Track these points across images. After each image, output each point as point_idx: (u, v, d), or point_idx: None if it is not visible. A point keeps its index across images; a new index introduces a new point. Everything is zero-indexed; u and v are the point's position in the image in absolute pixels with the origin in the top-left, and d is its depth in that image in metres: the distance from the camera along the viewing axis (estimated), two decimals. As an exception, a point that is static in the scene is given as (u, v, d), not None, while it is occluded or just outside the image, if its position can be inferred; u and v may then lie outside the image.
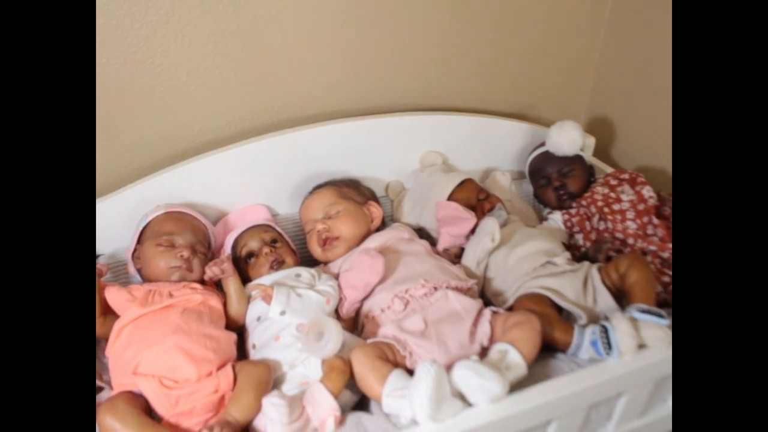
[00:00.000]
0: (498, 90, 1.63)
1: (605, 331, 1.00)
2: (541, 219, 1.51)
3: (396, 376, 0.93)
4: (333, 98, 1.44)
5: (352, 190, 1.33)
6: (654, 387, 1.09)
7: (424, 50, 1.49)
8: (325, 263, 1.26)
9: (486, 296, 1.26)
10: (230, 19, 1.24)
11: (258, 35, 1.29)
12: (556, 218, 1.44)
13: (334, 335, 0.98)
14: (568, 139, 1.43)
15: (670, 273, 1.22)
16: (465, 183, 1.38)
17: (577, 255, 1.36)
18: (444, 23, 1.48)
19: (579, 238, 1.38)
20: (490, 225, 1.23)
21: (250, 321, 1.12)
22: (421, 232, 1.38)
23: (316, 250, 1.26)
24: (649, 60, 1.57)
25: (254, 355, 1.07)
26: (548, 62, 1.65)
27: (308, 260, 1.29)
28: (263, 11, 1.27)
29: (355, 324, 1.16)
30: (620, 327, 1.00)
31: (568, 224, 1.41)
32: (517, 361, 0.97)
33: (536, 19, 1.58)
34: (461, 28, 1.50)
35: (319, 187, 1.34)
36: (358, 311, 1.16)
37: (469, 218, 1.24)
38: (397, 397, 0.91)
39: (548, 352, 1.07)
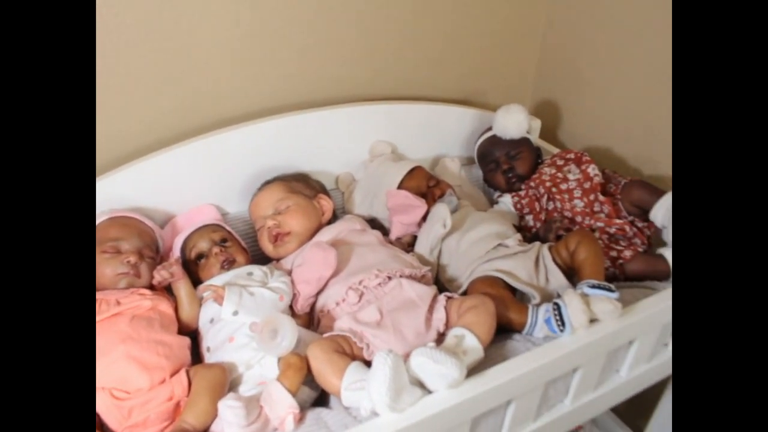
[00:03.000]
0: (446, 78, 1.63)
1: (558, 308, 1.02)
2: (492, 203, 1.52)
3: (354, 369, 0.93)
4: (278, 92, 1.41)
5: (301, 184, 1.31)
6: (607, 359, 1.12)
7: (370, 41, 1.48)
8: (278, 260, 1.24)
9: (441, 283, 1.26)
10: (168, 13, 1.20)
11: (198, 29, 1.26)
12: (507, 201, 1.45)
13: (289, 332, 0.96)
14: (514, 122, 1.44)
15: (618, 248, 1.25)
16: (415, 171, 1.38)
17: (528, 236, 1.38)
18: (391, 13, 1.47)
19: (529, 219, 1.40)
20: (441, 211, 1.23)
21: (203, 324, 1.10)
22: (374, 223, 1.37)
23: (268, 247, 1.24)
24: (591, 42, 1.60)
25: (209, 358, 1.05)
26: (492, 48, 1.66)
27: (261, 258, 1.27)
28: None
29: (311, 319, 1.15)
30: (572, 303, 1.01)
31: (518, 206, 1.43)
32: (473, 344, 0.97)
33: (480, 5, 1.58)
34: (408, 18, 1.50)
35: (267, 183, 1.31)
36: (313, 306, 1.15)
37: (419, 205, 1.24)
38: (356, 389, 0.90)
39: (504, 333, 1.09)
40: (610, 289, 1.05)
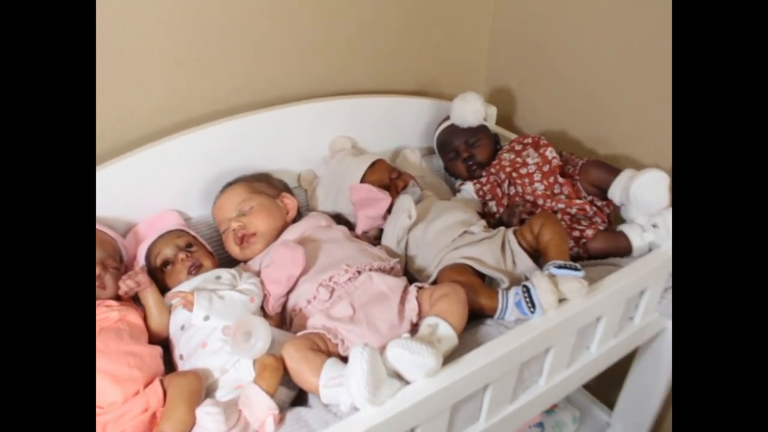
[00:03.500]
0: (402, 70, 1.63)
1: (527, 290, 1.04)
2: (455, 191, 1.54)
3: (330, 365, 0.93)
4: (232, 93, 1.39)
5: (264, 184, 1.30)
6: (577, 337, 1.15)
7: (324, 36, 1.47)
8: (245, 261, 1.23)
9: (410, 273, 1.27)
10: (111, 19, 1.17)
11: (149, 30, 1.23)
12: (468, 189, 1.47)
13: (263, 333, 0.95)
14: (471, 110, 1.46)
15: (580, 228, 1.28)
16: (376, 164, 1.38)
17: (492, 222, 1.40)
18: (342, 8, 1.46)
19: (492, 205, 1.42)
20: (405, 202, 1.24)
21: (174, 331, 1.07)
22: (339, 218, 1.37)
23: (234, 249, 1.22)
24: (540, 26, 1.63)
25: (182, 366, 1.03)
26: (443, 37, 1.67)
27: (228, 261, 1.25)
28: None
29: (283, 319, 1.14)
30: (540, 285, 1.03)
31: (480, 193, 1.45)
32: (447, 332, 0.98)
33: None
34: (360, 12, 1.49)
35: (229, 184, 1.29)
36: (284, 306, 1.14)
37: (383, 198, 1.24)
38: (334, 386, 0.90)
39: (477, 319, 1.10)
40: (575, 268, 1.07)
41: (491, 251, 1.19)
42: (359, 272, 1.11)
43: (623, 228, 1.27)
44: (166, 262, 1.14)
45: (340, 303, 1.06)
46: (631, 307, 1.27)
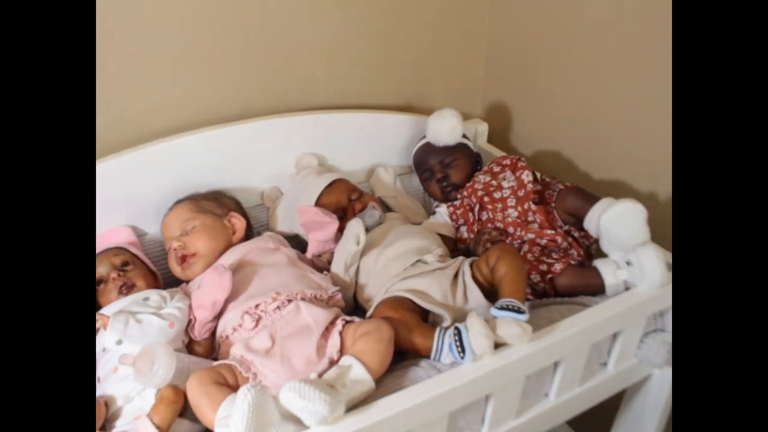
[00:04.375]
0: (383, 84, 1.56)
1: (458, 332, 0.95)
2: (430, 213, 1.45)
3: (227, 403, 0.87)
4: (201, 105, 1.36)
5: (212, 203, 1.26)
6: (528, 384, 1.04)
7: (303, 48, 1.42)
8: (187, 282, 1.20)
9: (360, 303, 1.20)
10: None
11: (117, 42, 1.22)
12: (442, 212, 1.38)
13: (165, 362, 0.91)
14: (447, 128, 1.37)
15: (549, 261, 1.17)
16: (334, 184, 1.31)
17: (462, 249, 1.30)
18: (321, 15, 1.41)
19: (464, 231, 1.32)
20: (355, 227, 1.16)
21: (98, 353, 1.05)
22: (297, 239, 1.31)
23: (176, 269, 1.19)
24: (537, 43, 1.51)
25: (98, 389, 1.00)
26: (436, 49, 1.59)
27: (175, 280, 1.22)
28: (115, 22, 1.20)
29: (213, 346, 1.10)
30: (473, 327, 0.94)
31: (454, 217, 1.35)
32: (360, 375, 0.90)
33: (420, 5, 1.51)
34: (339, 21, 1.43)
35: (178, 202, 1.26)
36: (215, 332, 1.10)
37: (330, 222, 1.18)
38: (224, 426, 0.85)
39: (414, 359, 1.02)
40: (518, 310, 0.97)
41: (439, 284, 1.10)
42: (290, 301, 1.05)
43: (597, 264, 1.15)
44: (99, 281, 1.13)
45: (260, 334, 1.00)
46: (603, 351, 1.15)
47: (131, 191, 1.28)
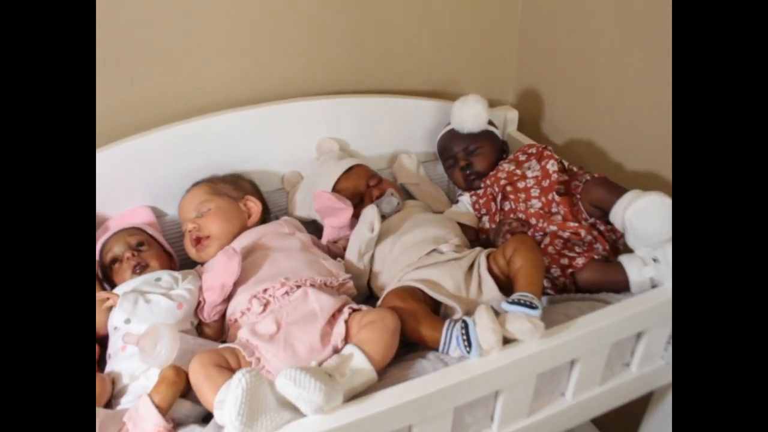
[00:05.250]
0: (410, 68, 1.51)
1: (465, 326, 0.91)
2: (453, 202, 1.41)
3: (227, 386, 0.86)
4: (223, 87, 1.35)
5: (229, 186, 1.25)
6: (542, 381, 1.00)
7: (324, 30, 1.39)
8: (202, 264, 1.20)
9: (374, 291, 1.18)
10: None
11: (140, 23, 1.23)
12: (465, 200, 1.34)
13: (168, 342, 0.91)
14: (471, 114, 1.32)
15: (571, 255, 1.11)
16: (353, 169, 1.29)
17: (483, 239, 1.26)
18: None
19: (485, 221, 1.28)
20: (370, 214, 1.14)
21: (110, 331, 1.06)
22: (314, 225, 1.30)
23: (191, 251, 1.19)
24: (570, 28, 1.44)
25: (108, 365, 1.01)
26: (466, 33, 1.53)
27: (191, 262, 1.23)
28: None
29: (223, 329, 1.10)
30: (481, 321, 0.90)
31: (476, 206, 1.31)
32: (361, 365, 0.88)
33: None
34: (366, 5, 1.40)
35: (195, 184, 1.26)
36: (225, 315, 1.09)
37: (344, 207, 1.15)
38: (220, 408, 0.84)
39: (422, 350, 0.99)
40: (530, 305, 0.93)
41: (452, 275, 1.06)
42: (298, 286, 1.04)
43: (622, 259, 1.09)
44: (114, 260, 1.14)
45: (267, 318, 0.99)
46: (626, 351, 1.09)
47: (152, 172, 1.29)
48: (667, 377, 1.16)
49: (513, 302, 0.94)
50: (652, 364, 1.11)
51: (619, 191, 1.12)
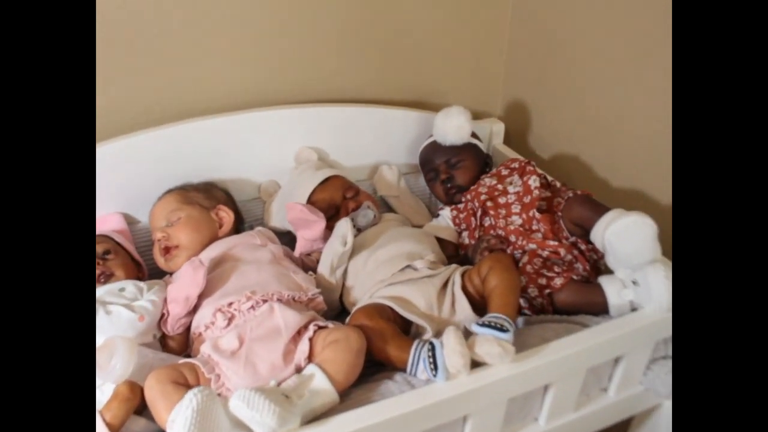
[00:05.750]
0: (394, 77, 1.49)
1: (432, 349, 0.88)
2: (434, 216, 1.37)
3: (180, 406, 0.83)
4: (201, 93, 1.33)
5: (201, 194, 1.22)
6: (513, 407, 0.96)
7: (306, 37, 1.37)
8: (170, 274, 1.16)
9: (346, 307, 1.14)
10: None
11: (115, 26, 1.20)
12: (445, 215, 1.30)
13: (124, 356, 0.88)
14: (453, 126, 1.29)
15: (550, 275, 1.08)
16: (330, 180, 1.26)
17: (462, 255, 1.23)
18: (329, 5, 1.35)
19: (465, 237, 1.25)
20: (343, 227, 1.10)
21: (70, 341, 1.03)
22: (291, 236, 1.26)
23: (160, 260, 1.16)
24: (559, 43, 1.42)
25: (66, 378, 0.98)
26: (454, 44, 1.51)
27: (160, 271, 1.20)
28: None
29: (188, 342, 1.07)
30: (448, 344, 0.87)
31: (457, 221, 1.28)
32: (321, 386, 0.85)
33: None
34: (348, 10, 1.37)
35: (167, 192, 1.24)
36: (190, 328, 1.06)
37: (317, 220, 1.12)
38: (172, 429, 0.81)
39: (391, 371, 0.95)
40: (501, 328, 0.89)
41: (425, 293, 1.03)
42: (264, 301, 1.00)
43: (601, 281, 1.05)
44: (78, 268, 1.10)
45: (230, 334, 0.96)
46: (603, 376, 1.06)
47: (126, 178, 1.26)
48: (647, 402, 1.13)
49: (483, 324, 0.90)
50: (631, 389, 1.08)
51: (601, 210, 1.08)
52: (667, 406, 1.14)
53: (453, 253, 1.27)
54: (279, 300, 1.01)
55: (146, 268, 1.20)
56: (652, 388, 1.08)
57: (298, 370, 0.92)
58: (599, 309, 1.04)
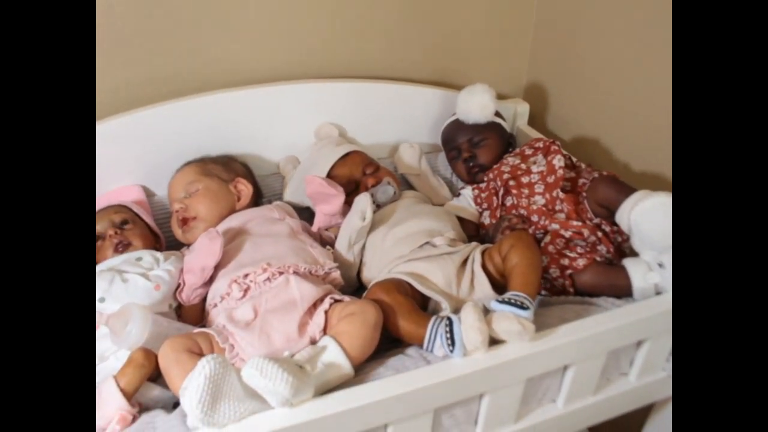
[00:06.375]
0: (418, 55, 1.46)
1: (450, 324, 0.86)
2: (455, 195, 1.35)
3: (192, 373, 0.83)
4: (223, 67, 1.31)
5: (219, 167, 1.22)
6: (530, 386, 0.94)
7: (330, 12, 1.35)
8: (188, 245, 1.16)
9: (363, 283, 1.13)
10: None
11: (136, 3, 1.19)
12: (467, 194, 1.28)
13: (139, 323, 0.88)
14: (477, 104, 1.26)
15: (572, 256, 1.05)
16: (349, 156, 1.24)
17: (483, 235, 1.21)
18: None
19: (486, 216, 1.22)
20: (362, 202, 1.09)
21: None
22: (310, 212, 1.25)
23: (177, 232, 1.16)
24: (590, 17, 1.37)
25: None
26: (480, 22, 1.47)
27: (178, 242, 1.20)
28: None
29: (204, 312, 1.06)
30: (467, 320, 0.85)
31: (478, 200, 1.25)
32: (336, 358, 0.84)
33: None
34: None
35: (186, 164, 1.23)
36: (206, 298, 1.06)
37: (336, 194, 1.10)
38: (185, 395, 0.81)
39: (407, 347, 0.94)
40: (521, 306, 0.87)
41: (443, 269, 1.01)
42: (281, 273, 0.99)
43: (626, 263, 1.02)
44: (97, 237, 1.11)
45: (245, 305, 0.95)
46: (624, 360, 1.03)
47: (146, 150, 1.26)
48: (668, 390, 1.10)
49: (503, 301, 0.88)
50: (653, 375, 1.05)
51: (627, 191, 1.05)
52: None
53: (474, 233, 1.24)
54: (295, 273, 1.00)
55: (164, 240, 1.20)
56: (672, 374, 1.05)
57: (313, 342, 0.91)
58: (623, 292, 1.01)
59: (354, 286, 1.15)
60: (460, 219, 1.24)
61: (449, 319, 0.87)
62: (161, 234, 1.19)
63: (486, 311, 0.90)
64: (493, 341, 0.87)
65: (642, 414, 1.21)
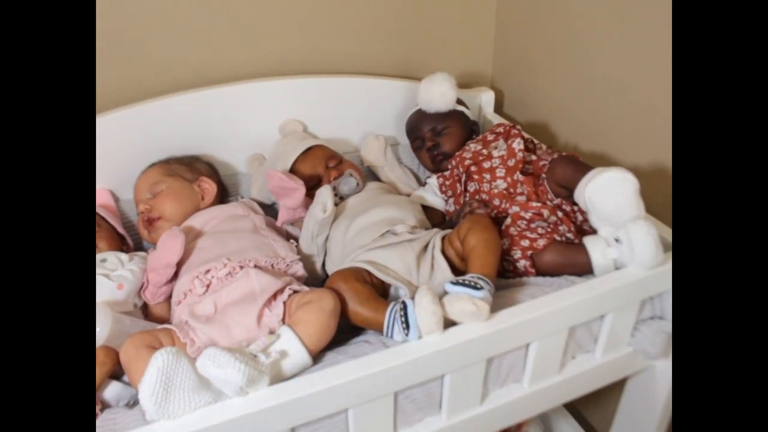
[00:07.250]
0: (381, 48, 1.47)
1: (404, 308, 0.87)
2: (422, 185, 1.36)
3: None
4: (186, 67, 1.32)
5: (183, 167, 1.23)
6: (490, 366, 0.94)
7: (290, 7, 1.35)
8: (154, 246, 1.17)
9: (329, 275, 1.14)
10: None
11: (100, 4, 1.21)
12: (432, 182, 1.29)
13: (99, 321, 0.89)
14: (437, 93, 1.27)
15: (532, 236, 1.06)
16: (311, 150, 1.25)
17: (449, 222, 1.22)
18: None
19: (451, 203, 1.23)
20: (323, 194, 1.10)
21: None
22: (273, 208, 1.26)
23: (143, 233, 1.17)
24: (552, 4, 1.38)
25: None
26: (440, 12, 1.48)
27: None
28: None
29: (170, 310, 1.07)
30: (420, 303, 0.86)
31: (443, 188, 1.26)
32: (290, 347, 0.85)
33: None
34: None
35: (150, 165, 1.24)
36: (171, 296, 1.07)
37: (296, 187, 1.11)
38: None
39: (368, 334, 0.95)
40: (475, 286, 0.88)
41: (403, 256, 1.02)
42: (241, 267, 1.00)
43: (585, 241, 1.03)
44: (63, 241, 1.12)
45: (206, 300, 0.97)
46: (589, 339, 1.04)
47: (113, 154, 1.26)
48: (636, 365, 1.10)
49: (457, 283, 0.89)
50: (618, 351, 1.06)
51: (584, 169, 1.05)
52: (659, 367, 1.12)
53: (440, 221, 1.25)
54: (256, 266, 1.01)
55: (131, 243, 1.21)
56: (640, 349, 1.05)
57: (272, 332, 0.92)
58: (584, 270, 1.02)
59: (320, 278, 1.16)
60: (426, 208, 1.25)
61: (404, 303, 0.87)
62: (128, 237, 1.20)
63: (444, 295, 0.91)
64: (452, 323, 0.88)
65: (618, 389, 1.22)
